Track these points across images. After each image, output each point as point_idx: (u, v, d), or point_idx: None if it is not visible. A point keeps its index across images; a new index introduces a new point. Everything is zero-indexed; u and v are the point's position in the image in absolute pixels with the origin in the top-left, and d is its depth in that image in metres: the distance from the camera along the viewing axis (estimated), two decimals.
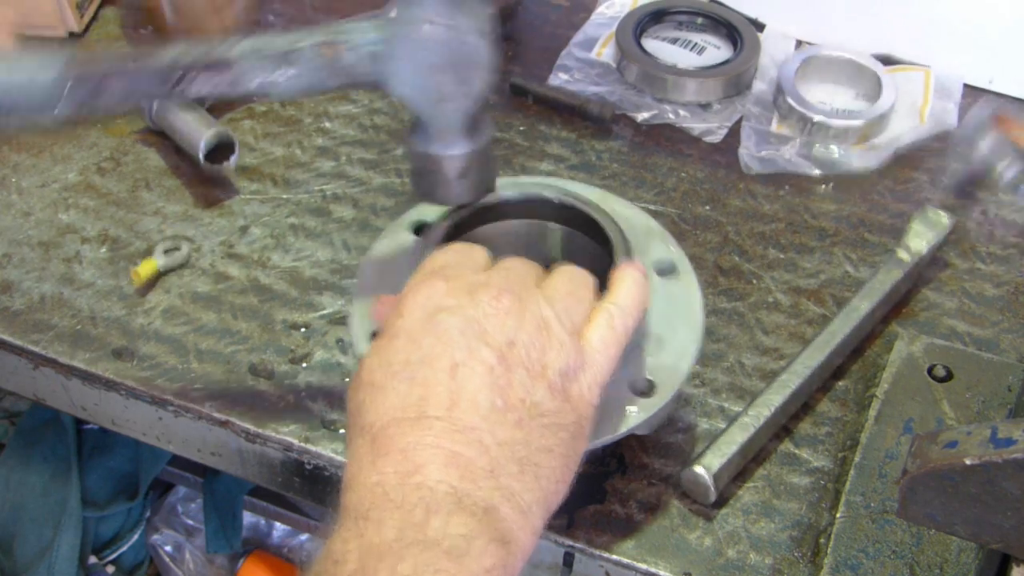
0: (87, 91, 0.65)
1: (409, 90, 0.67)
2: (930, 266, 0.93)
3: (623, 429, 0.68)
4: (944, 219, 0.91)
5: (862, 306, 0.85)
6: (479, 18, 0.66)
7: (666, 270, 0.76)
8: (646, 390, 0.69)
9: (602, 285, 0.78)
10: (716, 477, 0.74)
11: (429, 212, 0.78)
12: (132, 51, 0.66)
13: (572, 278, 0.64)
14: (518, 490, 0.55)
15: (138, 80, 0.66)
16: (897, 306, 0.89)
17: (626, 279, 0.66)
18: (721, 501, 0.75)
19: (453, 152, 0.70)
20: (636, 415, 0.68)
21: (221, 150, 0.97)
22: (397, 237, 0.79)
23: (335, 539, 0.53)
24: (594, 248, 0.78)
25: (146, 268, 0.88)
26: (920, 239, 0.89)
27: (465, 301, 0.60)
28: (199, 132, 0.96)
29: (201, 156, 0.95)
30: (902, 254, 0.88)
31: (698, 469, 0.74)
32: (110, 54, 0.68)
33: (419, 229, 0.78)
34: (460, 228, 0.75)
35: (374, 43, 0.67)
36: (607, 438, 0.67)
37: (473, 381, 0.57)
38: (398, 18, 0.67)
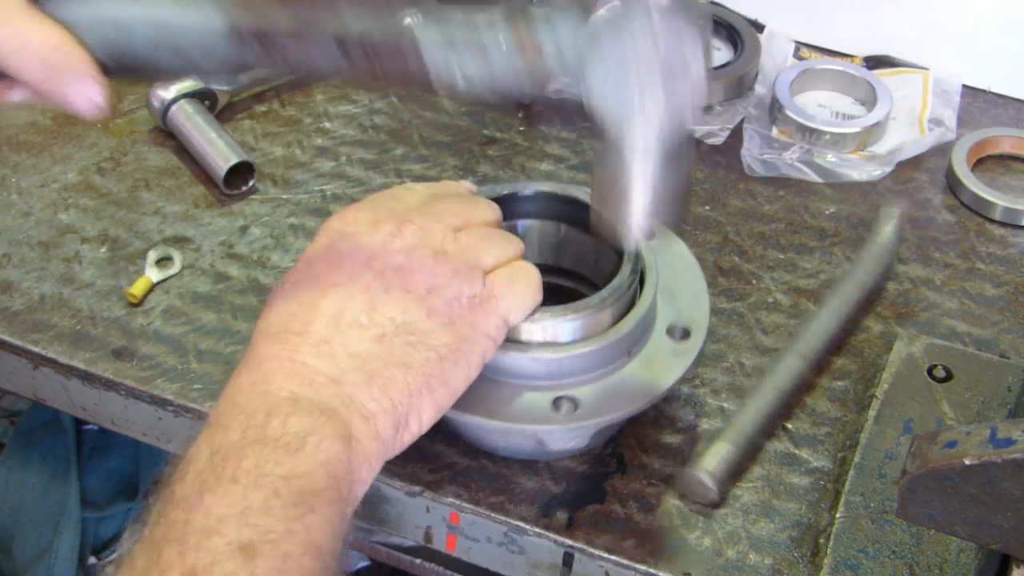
0: (254, 51, 0.60)
1: (612, 101, 0.58)
2: (923, 264, 0.93)
3: (679, 372, 0.72)
4: (894, 210, 0.92)
5: (840, 290, 0.86)
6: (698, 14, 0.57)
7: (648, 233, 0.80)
8: (684, 335, 0.74)
9: (605, 282, 0.79)
10: (716, 477, 0.74)
11: None
12: (293, 11, 0.59)
13: (495, 233, 0.70)
14: (362, 398, 0.59)
15: (312, 48, 0.59)
16: (894, 305, 0.89)
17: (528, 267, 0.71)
18: (720, 501, 0.75)
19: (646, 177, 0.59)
20: (683, 359, 0.73)
21: (239, 172, 0.97)
22: None
23: (193, 444, 0.58)
24: (595, 243, 0.79)
25: (140, 286, 0.87)
26: (883, 232, 0.91)
27: (366, 229, 0.65)
28: (221, 160, 0.96)
29: (221, 183, 0.96)
30: (869, 247, 0.90)
31: (696, 471, 0.74)
32: (276, 11, 0.60)
33: None
34: None
35: (576, 37, 0.56)
36: (668, 386, 0.72)
37: (341, 299, 0.62)
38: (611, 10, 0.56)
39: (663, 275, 0.77)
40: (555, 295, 0.86)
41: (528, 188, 0.80)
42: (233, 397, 0.59)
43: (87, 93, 0.61)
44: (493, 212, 0.73)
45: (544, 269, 0.84)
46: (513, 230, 0.81)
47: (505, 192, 0.79)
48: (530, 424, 0.69)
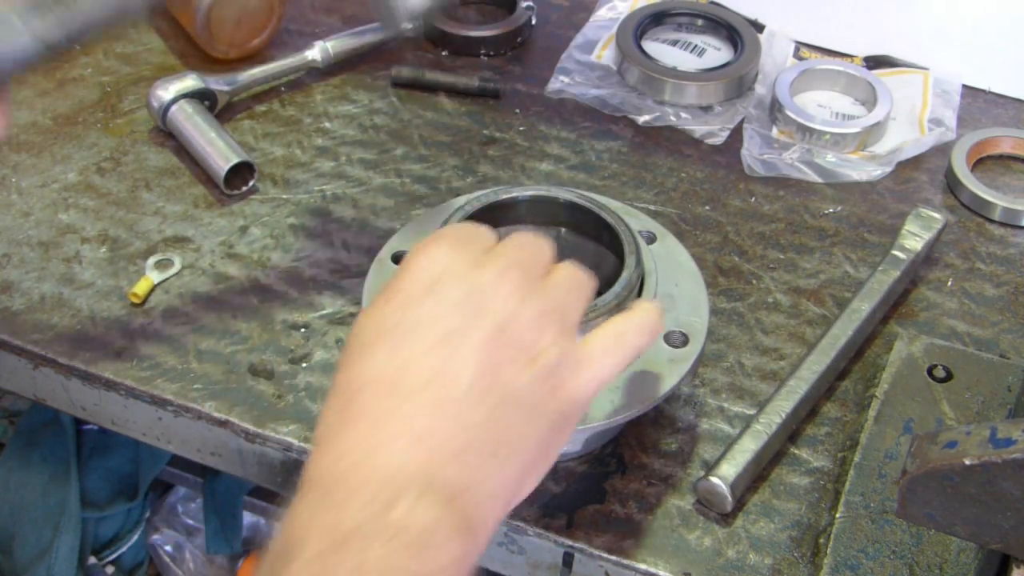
0: None
1: None
2: (928, 266, 0.93)
3: (675, 380, 0.72)
4: (936, 218, 0.91)
5: (863, 307, 0.85)
6: None
7: (649, 238, 0.81)
8: (681, 342, 0.74)
9: (605, 288, 0.79)
10: (733, 486, 0.74)
11: (409, 241, 0.79)
12: None
13: (576, 276, 0.61)
14: (485, 475, 0.53)
15: None
16: (895, 306, 0.89)
17: (645, 305, 0.63)
18: (734, 510, 0.75)
19: None
20: (679, 366, 0.73)
21: (240, 172, 0.97)
22: (383, 272, 0.79)
23: (298, 511, 0.50)
24: (596, 247, 0.79)
25: (142, 287, 0.88)
26: (914, 239, 0.90)
27: (470, 269, 0.57)
28: (221, 160, 0.96)
29: (221, 183, 0.96)
30: (898, 254, 0.89)
31: (715, 480, 0.74)
32: None
33: (398, 260, 0.78)
34: None
35: None
36: (663, 394, 0.71)
37: (462, 353, 0.54)
38: None
39: (663, 281, 0.77)
40: None
41: (526, 192, 0.80)
42: (346, 460, 0.51)
43: None
44: (543, 243, 0.63)
45: None
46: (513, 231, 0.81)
47: (503, 197, 0.79)
48: None
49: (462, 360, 0.54)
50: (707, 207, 0.98)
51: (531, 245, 0.61)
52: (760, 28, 1.15)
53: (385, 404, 0.53)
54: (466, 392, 0.53)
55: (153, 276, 0.89)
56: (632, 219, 0.82)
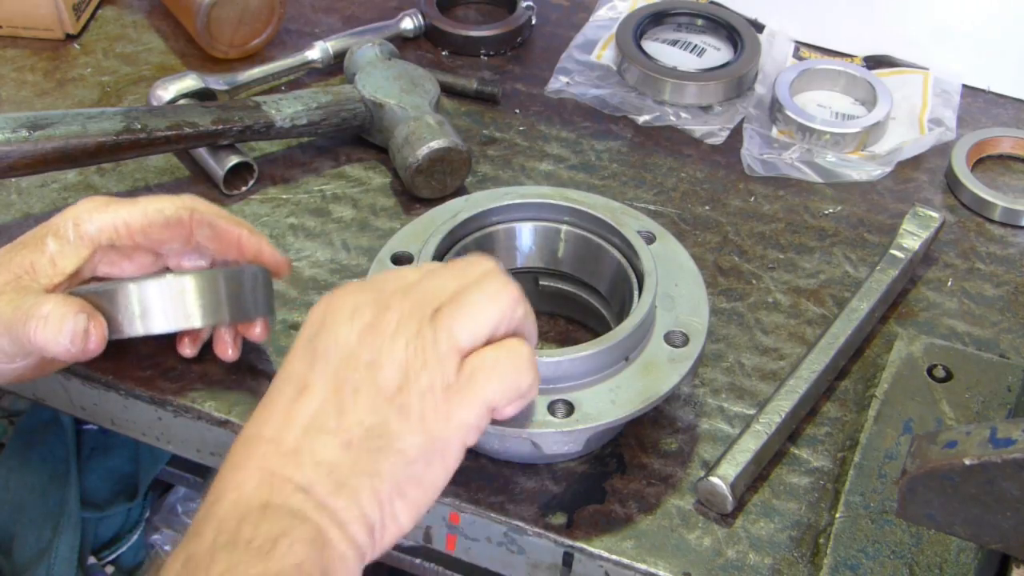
0: None
1: None
2: (928, 266, 0.93)
3: (675, 379, 0.72)
4: (934, 217, 0.91)
5: (862, 306, 0.85)
6: None
7: (648, 238, 0.81)
8: (681, 342, 0.74)
9: (608, 287, 0.79)
10: (733, 486, 0.73)
11: (409, 241, 0.79)
12: None
13: (479, 302, 0.61)
14: (332, 506, 0.57)
15: None
16: (895, 306, 0.89)
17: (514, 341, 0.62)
18: (735, 510, 0.75)
19: None
20: (680, 366, 0.73)
21: (239, 172, 0.97)
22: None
23: (170, 555, 0.57)
24: (596, 246, 0.80)
25: None
26: (913, 238, 0.90)
27: (344, 319, 0.61)
28: (221, 160, 0.96)
29: (221, 184, 0.96)
30: (896, 253, 0.89)
31: (715, 479, 0.74)
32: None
33: (398, 260, 0.79)
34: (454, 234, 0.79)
35: None
36: (664, 393, 0.71)
37: (312, 403, 0.59)
38: None
39: (663, 281, 0.76)
40: (554, 300, 0.86)
41: (528, 195, 0.81)
42: (208, 507, 0.58)
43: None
44: (491, 273, 0.64)
45: (544, 273, 0.84)
46: (512, 233, 0.82)
47: (507, 202, 0.80)
48: (525, 428, 0.69)
49: (311, 410, 0.59)
50: (707, 207, 0.98)
51: (440, 275, 0.63)
52: (760, 28, 1.15)
53: (243, 455, 0.59)
54: (311, 439, 0.58)
55: None
56: (631, 219, 0.82)
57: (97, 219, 0.74)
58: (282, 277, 0.80)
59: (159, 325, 0.72)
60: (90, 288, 0.73)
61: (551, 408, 0.70)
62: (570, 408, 0.70)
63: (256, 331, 0.79)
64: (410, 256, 0.78)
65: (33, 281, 0.72)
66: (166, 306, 0.72)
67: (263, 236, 0.79)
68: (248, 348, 0.84)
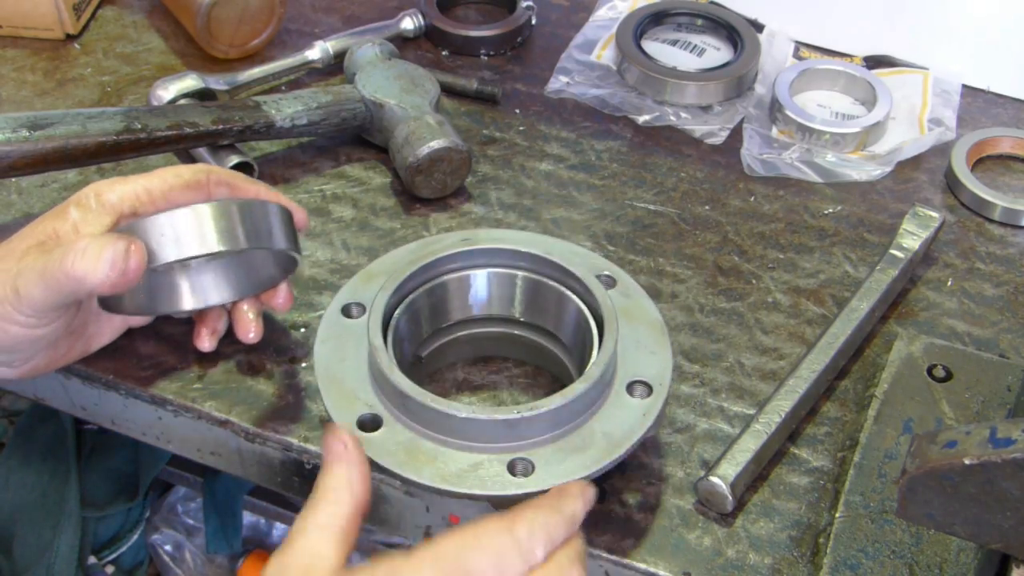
0: None
1: None
2: (928, 265, 0.93)
3: (638, 434, 0.69)
4: (934, 217, 0.91)
5: (862, 306, 0.85)
6: None
7: (608, 282, 0.78)
8: (644, 394, 0.71)
9: (570, 335, 0.77)
10: (733, 486, 0.73)
11: (362, 292, 0.78)
12: None
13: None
14: None
15: None
16: (895, 305, 0.90)
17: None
18: (735, 510, 0.75)
19: None
20: (644, 419, 0.70)
21: (239, 171, 0.97)
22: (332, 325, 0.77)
23: None
24: (557, 292, 0.78)
25: None
26: (912, 237, 0.90)
27: None
28: (221, 160, 0.96)
29: None
30: (896, 253, 0.89)
31: (715, 479, 0.73)
32: None
33: (347, 312, 0.77)
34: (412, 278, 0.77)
35: None
36: (626, 449, 0.69)
37: None
38: None
39: (624, 328, 0.74)
40: (514, 346, 0.84)
41: (486, 243, 0.78)
42: None
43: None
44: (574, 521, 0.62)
45: (500, 320, 0.82)
46: (466, 281, 0.79)
47: (466, 248, 0.77)
48: (484, 491, 0.67)
49: None
50: (707, 207, 0.98)
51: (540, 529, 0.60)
52: (760, 28, 1.15)
53: None
54: None
55: None
56: (590, 262, 0.80)
57: (118, 189, 0.74)
58: (302, 229, 0.79)
59: (190, 249, 0.71)
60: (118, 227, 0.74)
61: (511, 468, 0.68)
62: (529, 467, 0.68)
63: (279, 300, 0.80)
64: (362, 306, 0.76)
65: (56, 246, 0.71)
66: (190, 229, 0.71)
67: (280, 193, 0.80)
68: (248, 348, 0.84)
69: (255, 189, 0.79)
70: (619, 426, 0.70)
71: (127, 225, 0.72)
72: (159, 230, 0.71)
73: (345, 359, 0.73)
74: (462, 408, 0.68)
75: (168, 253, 0.71)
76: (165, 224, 0.71)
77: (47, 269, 0.69)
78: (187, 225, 0.71)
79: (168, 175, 0.76)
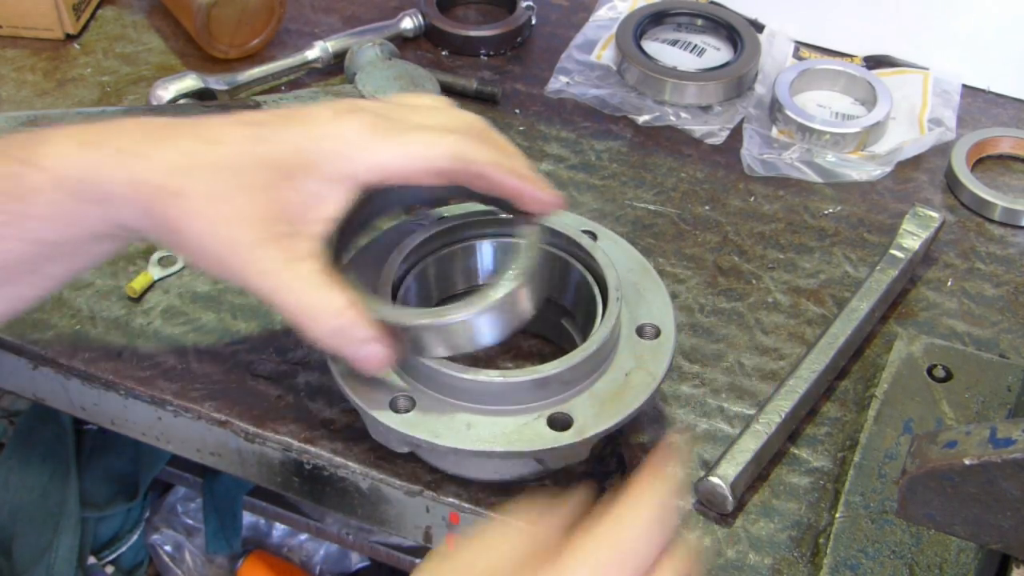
0: None
1: None
2: (928, 265, 0.93)
3: (664, 365, 0.72)
4: (934, 217, 0.91)
5: (862, 306, 0.85)
6: None
7: (591, 234, 0.79)
8: (654, 334, 0.74)
9: (574, 299, 0.78)
10: (733, 486, 0.73)
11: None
12: None
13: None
14: None
15: None
16: (895, 305, 0.89)
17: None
18: (735, 510, 0.75)
19: None
20: (663, 353, 0.73)
21: None
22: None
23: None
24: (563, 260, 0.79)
25: (141, 281, 0.88)
26: (912, 237, 0.90)
27: None
28: None
29: None
30: (896, 253, 0.89)
31: (715, 479, 0.73)
32: None
33: None
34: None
35: None
36: (660, 380, 0.71)
37: None
38: None
39: (624, 274, 0.76)
40: None
41: (487, 211, 0.78)
42: None
43: (366, 353, 0.66)
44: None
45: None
46: (471, 250, 0.80)
47: (459, 222, 0.78)
48: (529, 447, 0.68)
49: None
50: (707, 207, 0.98)
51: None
52: (760, 28, 1.15)
53: None
54: None
55: (155, 272, 0.89)
56: (570, 219, 0.80)
57: (359, 159, 0.66)
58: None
59: (462, 349, 0.69)
60: (400, 316, 0.68)
61: (550, 422, 0.69)
62: (568, 420, 0.69)
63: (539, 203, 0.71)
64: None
65: (292, 229, 0.65)
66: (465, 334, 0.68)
67: (550, 191, 0.71)
68: (248, 348, 0.84)
69: (519, 190, 0.70)
70: (643, 364, 0.72)
71: (389, 312, 0.68)
72: (426, 335, 0.68)
73: None
74: (495, 374, 0.69)
75: (436, 352, 0.69)
76: (437, 332, 0.68)
77: (276, 290, 0.65)
78: (462, 334, 0.68)
79: (415, 152, 0.67)
